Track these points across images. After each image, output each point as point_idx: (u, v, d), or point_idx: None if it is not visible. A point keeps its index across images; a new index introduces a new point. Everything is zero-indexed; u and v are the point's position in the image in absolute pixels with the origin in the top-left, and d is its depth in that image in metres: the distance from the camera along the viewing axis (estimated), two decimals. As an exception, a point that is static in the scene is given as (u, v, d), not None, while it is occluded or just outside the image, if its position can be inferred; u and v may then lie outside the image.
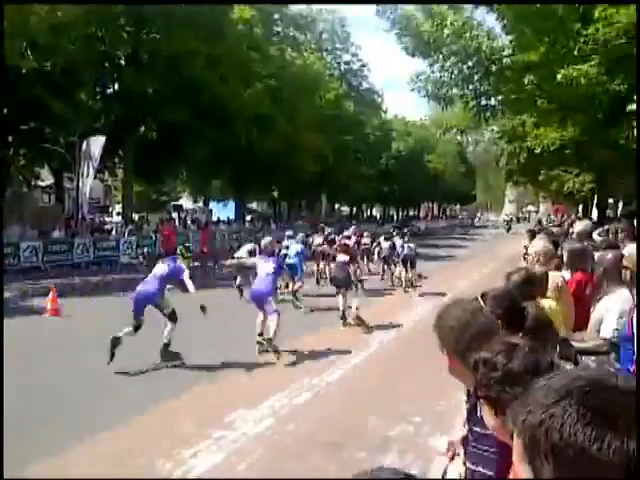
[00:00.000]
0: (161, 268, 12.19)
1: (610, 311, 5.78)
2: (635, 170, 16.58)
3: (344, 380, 11.21)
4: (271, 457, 7.66)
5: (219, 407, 9.42)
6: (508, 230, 73.64)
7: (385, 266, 25.58)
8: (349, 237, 23.30)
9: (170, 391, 10.10)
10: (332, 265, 18.52)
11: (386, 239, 25.50)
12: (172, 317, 11.92)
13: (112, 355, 11.28)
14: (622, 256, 5.86)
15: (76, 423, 8.58)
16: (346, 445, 7.93)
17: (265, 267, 13.36)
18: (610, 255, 6.24)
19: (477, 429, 2.97)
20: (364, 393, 10.42)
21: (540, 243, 7.99)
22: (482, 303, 3.69)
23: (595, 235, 13.86)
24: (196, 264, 26.15)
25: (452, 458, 3.71)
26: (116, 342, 11.36)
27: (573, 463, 1.16)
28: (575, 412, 1.18)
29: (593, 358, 5.95)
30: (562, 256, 8.60)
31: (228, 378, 11.12)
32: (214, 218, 53.95)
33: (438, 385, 9.16)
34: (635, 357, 4.91)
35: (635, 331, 5.04)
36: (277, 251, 19.33)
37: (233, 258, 19.33)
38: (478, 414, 2.79)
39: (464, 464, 3.32)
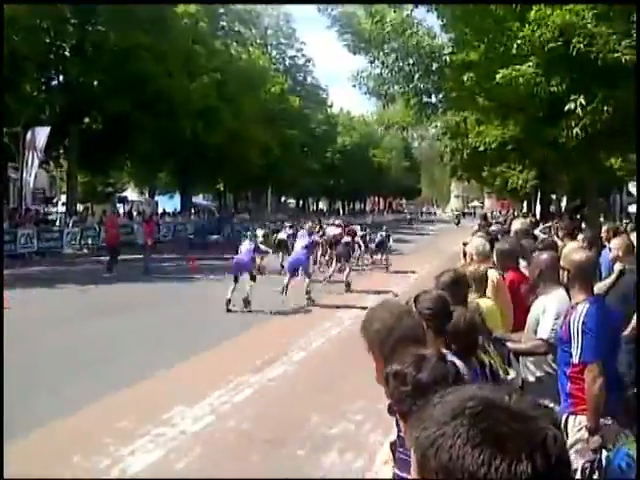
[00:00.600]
0: (247, 244, 17.40)
1: (547, 312, 5.79)
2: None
3: (287, 376, 11.13)
4: (210, 455, 7.60)
5: (158, 404, 9.26)
6: (457, 224, 75.62)
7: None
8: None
9: (109, 386, 9.89)
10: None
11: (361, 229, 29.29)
12: (253, 278, 16.83)
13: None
14: (559, 257, 5.89)
15: (9, 420, 8.33)
16: (287, 443, 7.91)
17: (301, 242, 19.22)
18: (545, 256, 6.30)
19: (402, 435, 2.97)
20: (306, 389, 10.37)
21: (475, 241, 8.07)
22: (414, 306, 3.71)
23: (537, 232, 14.04)
24: (140, 256, 26.00)
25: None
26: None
27: None
28: (465, 433, 1.16)
29: (531, 359, 6.02)
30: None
31: (168, 374, 10.96)
32: (160, 210, 53.52)
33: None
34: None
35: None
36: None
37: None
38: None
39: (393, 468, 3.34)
